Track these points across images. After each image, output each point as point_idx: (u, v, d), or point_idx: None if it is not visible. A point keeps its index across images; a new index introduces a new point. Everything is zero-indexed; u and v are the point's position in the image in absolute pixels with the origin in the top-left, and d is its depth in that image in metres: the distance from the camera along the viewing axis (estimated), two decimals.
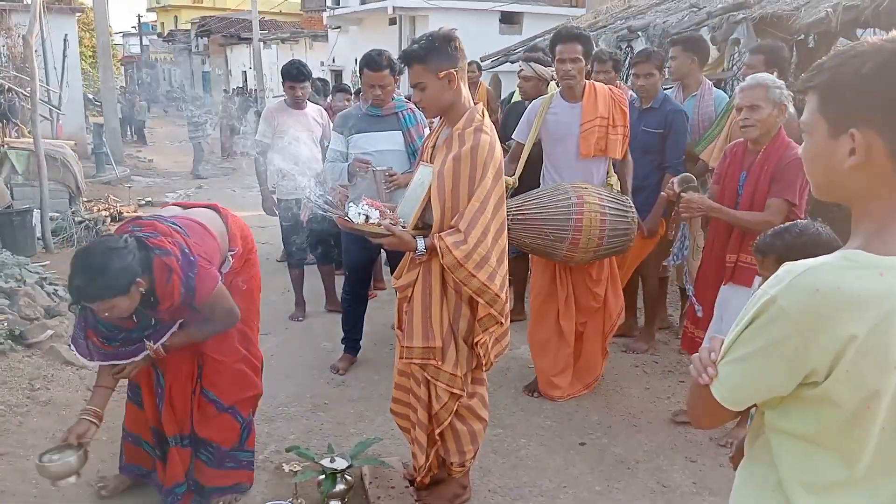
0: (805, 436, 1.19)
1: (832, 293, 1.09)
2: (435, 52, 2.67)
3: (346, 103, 6.46)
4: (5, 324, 4.43)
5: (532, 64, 5.06)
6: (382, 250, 4.18)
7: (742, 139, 3.47)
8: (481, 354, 2.85)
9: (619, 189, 4.05)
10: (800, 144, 1.26)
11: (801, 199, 3.25)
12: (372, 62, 4.17)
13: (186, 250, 2.61)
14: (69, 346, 2.87)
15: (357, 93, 6.66)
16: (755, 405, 1.27)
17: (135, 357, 2.78)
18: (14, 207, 7.32)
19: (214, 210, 3.05)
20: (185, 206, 3.08)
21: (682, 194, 3.45)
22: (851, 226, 1.21)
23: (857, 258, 1.13)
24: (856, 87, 1.12)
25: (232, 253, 2.96)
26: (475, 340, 2.82)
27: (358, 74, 4.27)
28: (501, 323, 2.81)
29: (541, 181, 4.17)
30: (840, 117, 1.15)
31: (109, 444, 3.41)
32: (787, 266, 1.16)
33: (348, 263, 4.60)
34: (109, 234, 2.61)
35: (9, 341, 4.35)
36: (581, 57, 3.83)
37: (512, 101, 5.84)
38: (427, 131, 4.42)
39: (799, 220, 2.34)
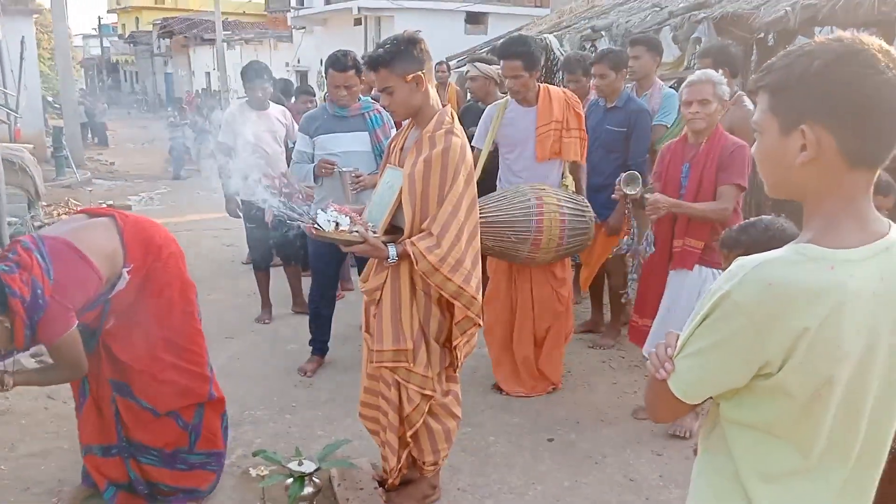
0: (759, 426, 1.22)
1: (784, 287, 1.12)
2: (400, 55, 2.66)
3: (309, 105, 6.42)
4: None
5: (477, 64, 5.12)
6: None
7: (676, 138, 3.65)
8: (458, 357, 2.85)
9: (573, 190, 4.11)
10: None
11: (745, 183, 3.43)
12: (337, 62, 4.15)
13: (39, 291, 2.51)
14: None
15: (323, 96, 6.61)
16: (710, 397, 1.28)
17: None
18: None
19: (113, 220, 2.87)
20: (92, 214, 2.96)
21: (647, 196, 3.52)
22: (803, 221, 1.23)
23: (808, 252, 1.15)
24: (805, 85, 1.14)
25: (127, 269, 2.80)
26: (453, 344, 2.82)
27: (323, 75, 4.25)
28: (479, 324, 2.81)
29: (497, 185, 4.20)
30: (790, 114, 1.17)
31: (71, 454, 3.34)
32: (739, 261, 1.18)
33: (315, 265, 4.57)
34: None
35: None
36: (522, 72, 3.87)
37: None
38: (394, 132, 4.42)
39: (764, 216, 2.38)
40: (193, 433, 3.07)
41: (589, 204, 4.01)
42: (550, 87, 4.07)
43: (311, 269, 4.69)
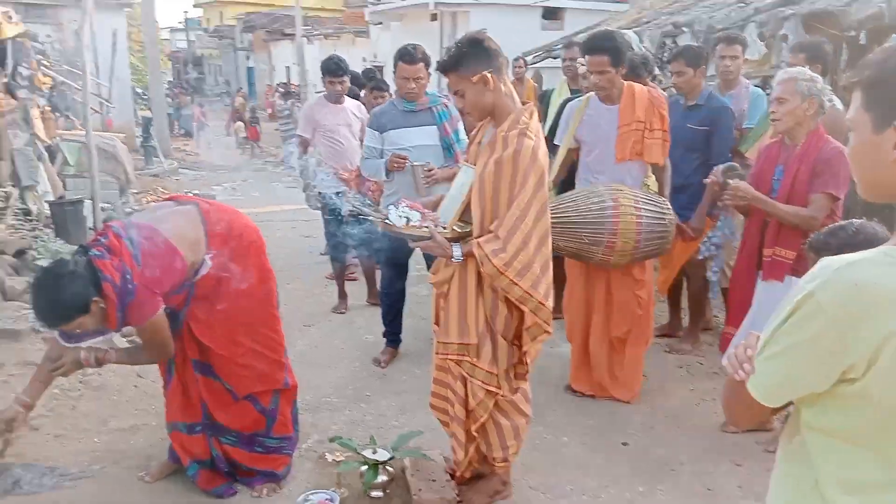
0: (842, 434, 1.18)
1: (871, 288, 1.09)
2: (464, 57, 2.68)
3: (377, 101, 6.49)
4: None
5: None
6: None
7: (777, 138, 3.45)
8: (528, 363, 2.86)
9: (655, 190, 3.98)
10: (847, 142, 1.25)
11: (843, 195, 3.23)
12: (407, 55, 4.18)
13: (128, 276, 2.64)
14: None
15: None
16: (792, 403, 1.25)
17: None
18: (67, 198, 7.53)
19: (197, 208, 2.97)
20: (177, 201, 3.10)
21: (730, 181, 3.39)
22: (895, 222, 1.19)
23: None
24: None
25: (210, 255, 2.88)
26: (523, 350, 2.81)
27: (393, 68, 4.30)
28: (549, 332, 2.80)
29: (576, 184, 4.12)
30: (884, 111, 1.14)
31: (158, 430, 3.50)
32: (824, 261, 1.15)
33: (385, 256, 4.60)
34: (62, 258, 2.69)
35: None
36: (609, 68, 3.76)
37: (554, 95, 5.76)
38: (461, 125, 4.44)
39: (854, 219, 2.29)
40: (270, 418, 3.16)
41: (670, 206, 3.86)
42: (635, 85, 3.95)
43: (381, 264, 4.73)
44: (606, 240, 3.67)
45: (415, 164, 4.08)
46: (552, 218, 3.70)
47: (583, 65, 4.70)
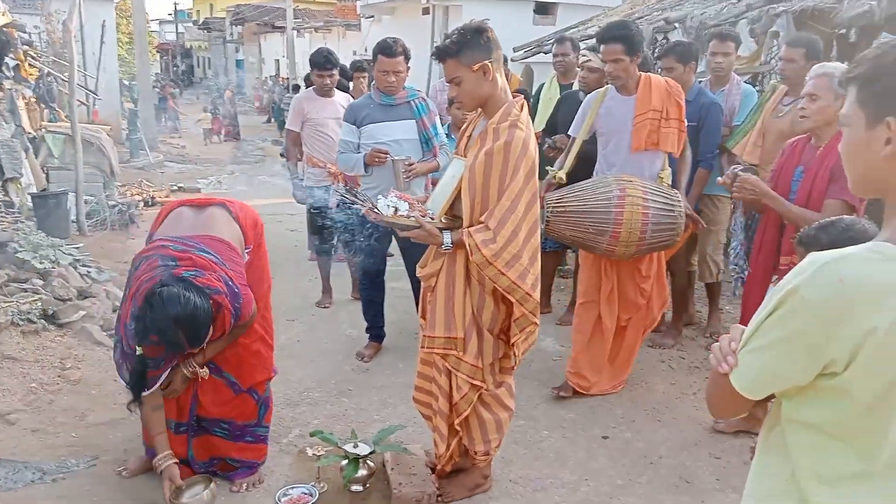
0: (820, 426, 1.19)
1: (855, 284, 1.09)
2: (468, 45, 2.65)
3: (361, 80, 6.47)
4: (39, 304, 4.52)
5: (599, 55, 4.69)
6: (394, 238, 4.21)
7: (804, 135, 3.28)
8: (516, 353, 2.85)
9: (668, 183, 3.95)
10: None
11: (862, 202, 3.01)
12: (387, 48, 4.15)
13: (230, 283, 2.77)
14: (116, 349, 2.99)
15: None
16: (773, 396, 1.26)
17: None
18: (50, 190, 7.46)
19: (226, 209, 3.08)
20: (199, 206, 3.09)
21: (740, 173, 3.26)
22: (884, 219, 1.19)
23: (885, 250, 1.12)
24: (892, 76, 1.13)
25: (248, 250, 3.07)
26: (511, 341, 2.81)
27: (372, 62, 4.26)
28: (536, 323, 2.80)
29: (594, 175, 4.07)
30: (878, 107, 1.15)
31: (137, 425, 3.46)
32: (811, 256, 1.16)
33: (362, 251, 4.58)
34: (167, 288, 2.62)
35: (42, 321, 4.44)
36: (623, 56, 3.73)
37: (544, 90, 5.72)
38: (438, 119, 4.41)
39: (845, 216, 2.28)
40: (264, 406, 3.20)
41: (681, 198, 3.81)
42: (652, 75, 3.91)
43: (358, 259, 4.69)
44: (611, 230, 3.64)
45: (395, 158, 4.06)
46: (558, 207, 3.72)
47: (586, 57, 4.68)
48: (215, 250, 2.83)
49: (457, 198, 2.76)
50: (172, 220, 3.02)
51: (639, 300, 3.98)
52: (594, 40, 4.24)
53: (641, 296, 3.98)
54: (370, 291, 4.61)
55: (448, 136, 4.87)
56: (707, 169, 4.39)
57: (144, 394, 2.87)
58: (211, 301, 2.67)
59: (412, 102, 4.32)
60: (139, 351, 2.75)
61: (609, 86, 4.01)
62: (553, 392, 4.05)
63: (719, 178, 3.59)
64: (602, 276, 3.99)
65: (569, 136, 4.20)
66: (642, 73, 3.88)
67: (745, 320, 3.52)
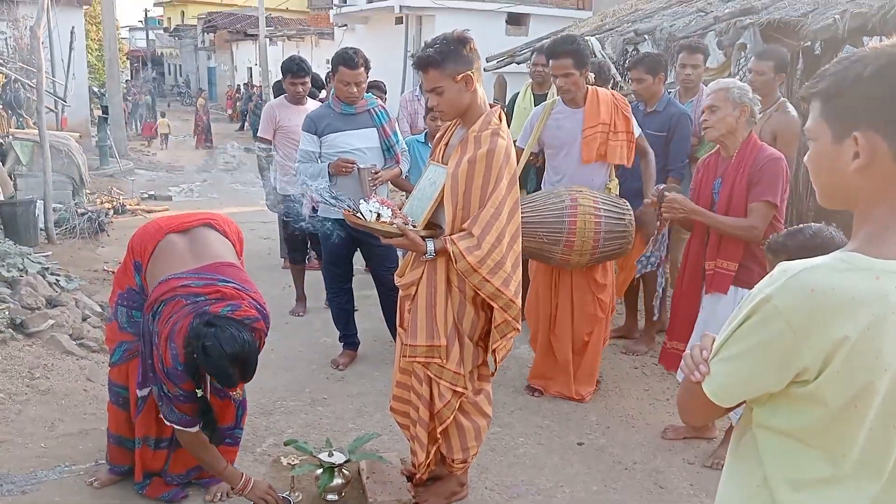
0: (791, 432, 1.20)
1: (826, 294, 1.10)
2: (451, 55, 2.65)
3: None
4: (6, 313, 4.43)
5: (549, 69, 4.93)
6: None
7: (714, 150, 3.44)
8: (496, 359, 2.86)
9: (616, 193, 4.05)
10: (807, 149, 1.27)
11: (782, 201, 3.20)
12: (349, 60, 4.18)
13: (258, 306, 2.77)
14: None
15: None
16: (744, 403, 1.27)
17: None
18: (17, 198, 7.33)
19: (213, 228, 3.06)
20: (184, 229, 3.01)
21: (666, 193, 3.43)
22: (853, 229, 1.21)
23: (853, 260, 1.13)
24: (858, 91, 1.13)
25: (240, 262, 3.07)
26: (492, 347, 2.82)
27: (331, 73, 4.27)
28: (518, 329, 2.81)
29: (542, 186, 4.18)
30: (843, 121, 1.15)
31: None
32: (782, 265, 1.17)
33: (326, 258, 4.56)
34: (217, 328, 2.59)
35: (10, 330, 4.36)
36: (573, 70, 3.82)
37: (518, 99, 5.77)
38: (398, 126, 4.43)
39: (813, 223, 2.34)
40: (241, 408, 3.17)
41: (630, 208, 3.91)
42: (599, 89, 4.01)
43: (323, 267, 4.69)
44: (565, 239, 3.72)
45: (361, 167, 4.07)
46: None
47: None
48: (232, 276, 2.81)
49: (438, 205, 2.76)
50: (168, 254, 2.91)
51: (597, 314, 4.01)
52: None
53: (600, 309, 4.01)
54: (338, 300, 4.59)
55: (425, 144, 4.89)
56: (677, 178, 4.46)
57: (192, 430, 2.83)
58: (252, 330, 2.68)
59: (372, 111, 4.34)
60: (199, 393, 2.75)
61: (556, 98, 4.11)
62: (525, 391, 4.15)
63: (646, 200, 3.69)
64: (557, 290, 4.04)
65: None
66: (589, 87, 3.98)
67: (673, 330, 3.64)
